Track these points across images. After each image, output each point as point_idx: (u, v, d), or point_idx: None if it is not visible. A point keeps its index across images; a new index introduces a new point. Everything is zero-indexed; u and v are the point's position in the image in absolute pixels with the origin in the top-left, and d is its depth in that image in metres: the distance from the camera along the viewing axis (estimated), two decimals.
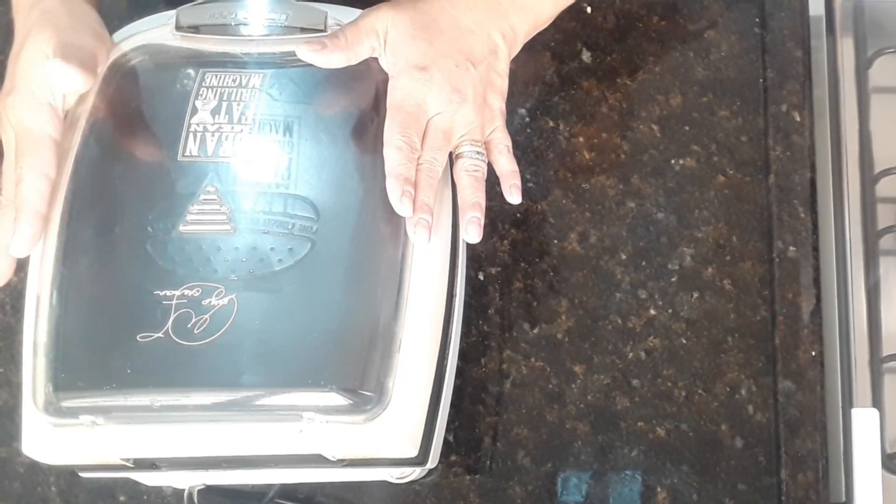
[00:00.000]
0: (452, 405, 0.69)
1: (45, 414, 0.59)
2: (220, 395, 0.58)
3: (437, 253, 0.64)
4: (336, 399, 0.58)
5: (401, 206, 0.62)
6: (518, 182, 0.68)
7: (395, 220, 0.62)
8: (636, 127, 0.81)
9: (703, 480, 0.73)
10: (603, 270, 0.78)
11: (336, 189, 0.63)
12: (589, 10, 0.84)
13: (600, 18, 0.84)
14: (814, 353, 0.75)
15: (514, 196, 0.67)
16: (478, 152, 0.67)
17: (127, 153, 0.65)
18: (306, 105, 0.65)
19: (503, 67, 0.69)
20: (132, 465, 0.61)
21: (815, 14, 0.85)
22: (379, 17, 0.66)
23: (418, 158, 0.64)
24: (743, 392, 0.75)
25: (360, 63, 0.66)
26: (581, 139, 0.81)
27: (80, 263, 0.61)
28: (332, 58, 0.65)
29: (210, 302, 0.59)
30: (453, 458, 0.74)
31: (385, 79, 0.66)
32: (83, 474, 0.65)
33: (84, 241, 0.62)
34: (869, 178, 0.81)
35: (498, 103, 0.69)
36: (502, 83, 0.69)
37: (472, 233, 0.65)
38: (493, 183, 0.80)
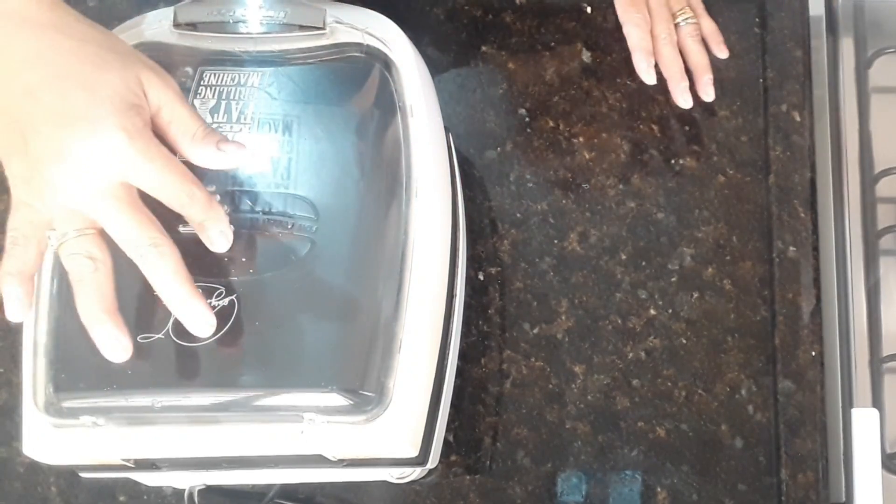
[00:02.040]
0: (452, 405, 0.69)
1: (45, 414, 0.58)
2: (220, 395, 0.58)
3: (437, 253, 0.63)
4: (337, 399, 0.58)
5: (647, 75, 0.79)
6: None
7: (395, 220, 0.62)
8: (636, 127, 0.81)
9: (703, 480, 0.73)
10: (603, 270, 0.77)
11: (336, 188, 0.63)
12: (589, 10, 0.84)
13: (600, 18, 0.84)
14: (814, 353, 0.75)
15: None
16: (693, 20, 0.81)
17: None
18: (305, 104, 0.65)
19: None
20: (133, 466, 0.61)
21: (815, 14, 0.85)
22: None
23: (655, 32, 0.79)
24: (743, 392, 0.75)
25: (359, 62, 0.66)
26: (581, 139, 0.81)
27: None
28: None
29: (210, 302, 0.58)
30: (453, 458, 0.74)
31: (383, 78, 0.66)
32: (83, 474, 0.64)
33: None
34: (869, 178, 0.81)
35: None
36: None
37: (710, 92, 0.79)
38: (492, 182, 0.80)
